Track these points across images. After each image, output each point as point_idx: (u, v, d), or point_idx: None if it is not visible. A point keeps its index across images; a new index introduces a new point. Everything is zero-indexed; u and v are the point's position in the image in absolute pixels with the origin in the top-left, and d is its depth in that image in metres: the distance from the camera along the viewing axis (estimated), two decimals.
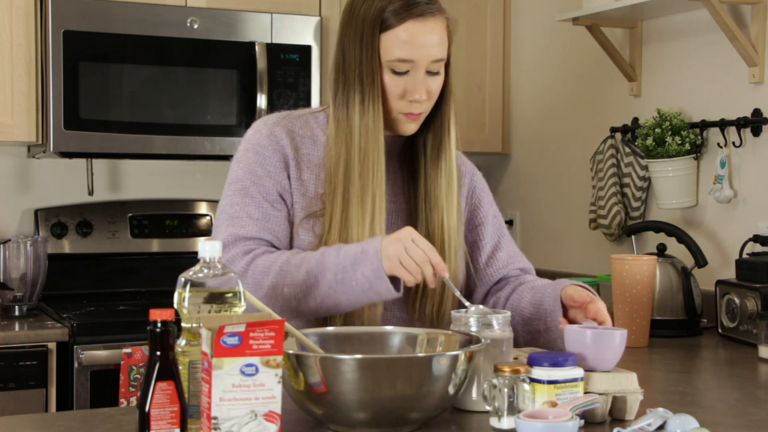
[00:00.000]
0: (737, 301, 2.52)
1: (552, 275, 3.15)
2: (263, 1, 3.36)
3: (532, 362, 1.53)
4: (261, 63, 3.24)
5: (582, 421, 1.51)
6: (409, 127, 1.86)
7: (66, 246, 3.40)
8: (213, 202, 3.60)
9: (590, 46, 3.31)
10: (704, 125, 2.92)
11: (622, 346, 1.62)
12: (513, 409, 1.50)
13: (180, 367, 1.38)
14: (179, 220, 3.57)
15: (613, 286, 2.58)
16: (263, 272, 1.74)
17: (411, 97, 1.80)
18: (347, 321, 1.78)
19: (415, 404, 1.44)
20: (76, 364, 2.81)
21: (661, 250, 2.77)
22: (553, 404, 1.50)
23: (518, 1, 3.79)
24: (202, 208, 3.62)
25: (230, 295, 1.43)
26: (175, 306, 1.42)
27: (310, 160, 1.87)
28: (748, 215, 2.81)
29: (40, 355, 2.80)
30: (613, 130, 3.26)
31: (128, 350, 2.77)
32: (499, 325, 1.63)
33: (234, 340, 1.30)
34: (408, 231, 1.68)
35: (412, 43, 1.78)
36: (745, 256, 2.68)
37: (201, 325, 1.35)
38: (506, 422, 1.50)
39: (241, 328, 1.30)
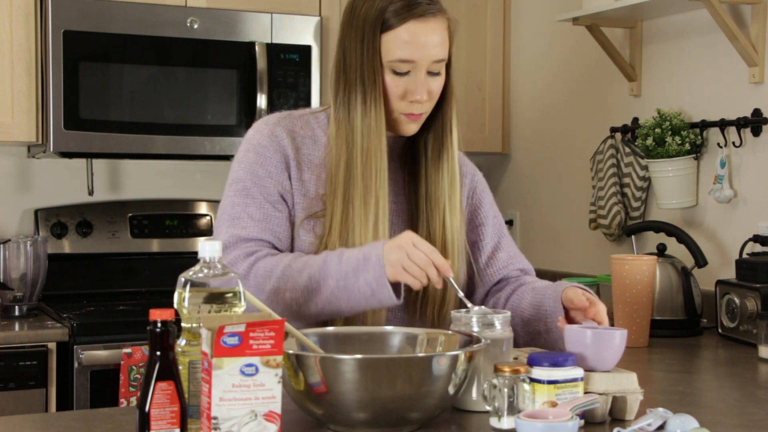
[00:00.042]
0: (737, 301, 2.52)
1: (552, 275, 3.15)
2: (263, 1, 3.36)
3: (532, 362, 1.53)
4: (261, 63, 3.24)
5: (582, 421, 1.51)
6: (410, 128, 1.85)
7: (66, 246, 3.40)
8: (213, 202, 3.60)
9: (590, 46, 3.31)
10: (704, 125, 2.92)
11: (622, 346, 1.62)
12: (513, 409, 1.50)
13: (180, 367, 1.38)
14: (179, 220, 3.57)
15: (613, 286, 2.58)
16: (265, 276, 1.74)
17: (412, 98, 1.80)
18: (350, 322, 1.78)
19: (415, 404, 1.44)
20: (76, 364, 2.81)
21: (661, 250, 2.77)
22: (553, 404, 1.50)
23: (518, 1, 3.79)
24: (202, 208, 3.62)
25: (230, 295, 1.43)
26: (175, 306, 1.42)
27: (310, 160, 1.87)
28: (748, 215, 2.81)
29: (40, 355, 2.80)
30: (613, 130, 3.26)
31: (128, 350, 2.77)
32: (500, 325, 1.63)
33: (234, 340, 1.30)
34: (408, 236, 1.68)
35: (413, 44, 1.77)
36: (745, 256, 2.68)
37: (201, 325, 1.35)
38: (506, 422, 1.50)
39: (241, 328, 1.30)
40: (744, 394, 1.97)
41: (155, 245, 3.53)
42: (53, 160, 3.42)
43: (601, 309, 1.75)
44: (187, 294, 1.41)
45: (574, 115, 3.53)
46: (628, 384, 1.59)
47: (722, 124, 2.85)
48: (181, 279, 1.43)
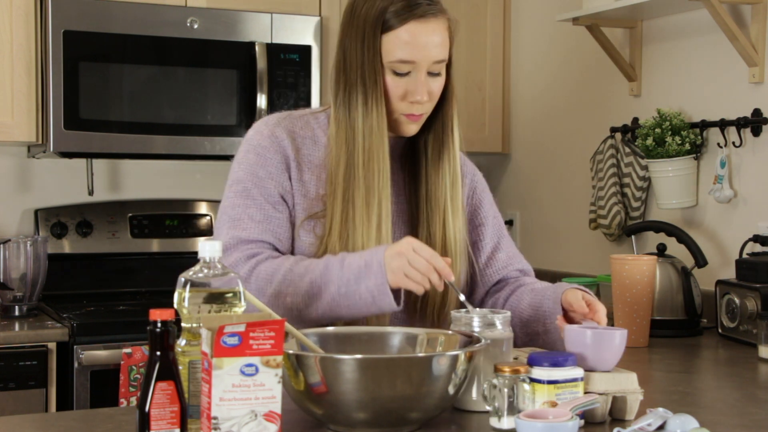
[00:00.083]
0: (737, 301, 2.52)
1: (552, 275, 3.16)
2: (263, 1, 3.36)
3: (532, 362, 1.53)
4: (261, 63, 3.24)
5: (582, 421, 1.51)
6: (411, 128, 1.85)
7: (66, 246, 3.40)
8: (213, 202, 3.60)
9: (590, 46, 3.31)
10: (704, 125, 2.92)
11: (622, 346, 1.62)
12: (513, 409, 1.50)
13: (180, 367, 1.38)
14: (179, 220, 3.57)
15: (613, 286, 2.58)
16: (266, 279, 1.74)
17: (412, 98, 1.80)
18: (352, 322, 1.77)
19: (415, 404, 1.44)
20: (76, 364, 2.81)
21: (661, 250, 2.77)
22: (553, 404, 1.50)
23: (518, 1, 3.79)
24: (202, 208, 3.62)
25: (230, 295, 1.43)
26: (175, 306, 1.42)
27: (311, 160, 1.87)
28: (748, 215, 2.81)
29: (40, 355, 2.80)
30: (613, 130, 3.26)
31: (128, 350, 2.77)
32: (500, 325, 1.63)
33: (234, 340, 1.30)
34: (408, 242, 1.68)
35: (414, 44, 1.77)
36: (745, 256, 2.68)
37: (201, 325, 1.35)
38: (506, 422, 1.50)
39: (241, 328, 1.30)
40: (744, 394, 1.97)
41: (155, 245, 3.53)
42: (53, 160, 3.42)
43: (601, 312, 1.75)
44: (187, 294, 1.41)
45: (574, 115, 3.53)
46: (628, 384, 1.59)
47: (722, 124, 2.85)
48: (181, 279, 1.43)
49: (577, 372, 1.54)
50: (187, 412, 1.36)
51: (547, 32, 3.63)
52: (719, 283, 2.63)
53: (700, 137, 2.94)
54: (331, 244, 1.79)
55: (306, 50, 3.34)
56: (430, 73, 1.81)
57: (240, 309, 1.44)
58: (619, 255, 2.62)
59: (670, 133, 2.92)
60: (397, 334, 1.67)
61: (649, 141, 2.94)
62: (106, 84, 3.11)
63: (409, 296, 1.81)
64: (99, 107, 3.10)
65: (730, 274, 2.70)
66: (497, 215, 2.05)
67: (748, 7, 2.79)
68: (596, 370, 1.60)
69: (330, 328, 1.69)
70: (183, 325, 1.43)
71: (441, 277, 1.67)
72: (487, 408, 1.53)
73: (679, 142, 2.90)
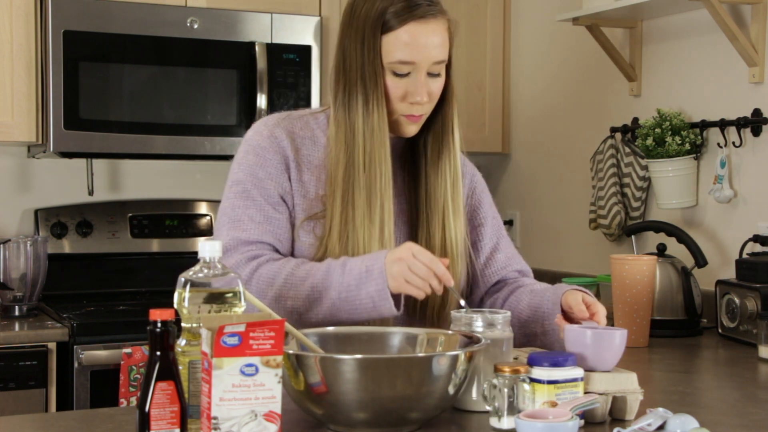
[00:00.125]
0: (737, 301, 2.52)
1: (552, 275, 3.15)
2: (263, 1, 3.36)
3: (532, 362, 1.53)
4: (261, 63, 3.24)
5: (582, 421, 1.51)
6: (410, 129, 1.85)
7: (66, 246, 3.40)
8: (213, 202, 3.60)
9: (590, 46, 3.31)
10: (704, 125, 2.92)
11: (622, 346, 1.62)
12: (513, 409, 1.50)
13: (180, 367, 1.38)
14: (179, 220, 3.57)
15: (613, 286, 2.58)
16: (267, 282, 1.74)
17: (412, 99, 1.80)
18: (354, 322, 1.78)
19: (415, 404, 1.44)
20: (76, 364, 2.81)
21: (661, 250, 2.77)
22: (553, 404, 1.50)
23: (518, 1, 3.79)
24: (202, 208, 3.62)
25: (230, 295, 1.43)
26: (175, 306, 1.42)
27: (310, 161, 1.86)
28: (748, 215, 2.81)
29: (40, 355, 2.80)
30: (613, 130, 3.26)
31: (128, 350, 2.77)
32: (500, 325, 1.63)
33: (234, 340, 1.30)
34: (408, 247, 1.69)
35: (413, 45, 1.77)
36: (745, 256, 2.68)
37: (201, 325, 1.35)
38: (506, 422, 1.50)
39: (241, 328, 1.30)
40: (744, 394, 1.97)
41: (155, 245, 3.53)
42: (53, 160, 3.42)
43: (601, 312, 1.75)
44: (187, 294, 1.41)
45: (574, 115, 3.53)
46: (628, 384, 1.59)
47: (722, 124, 2.85)
48: (181, 279, 1.43)
49: (577, 372, 1.54)
50: (187, 412, 1.36)
51: (547, 32, 3.63)
52: (719, 283, 2.63)
53: (700, 137, 2.94)
54: (331, 245, 1.79)
55: (306, 50, 3.34)
56: (430, 74, 1.80)
57: (240, 309, 1.44)
58: (619, 255, 2.62)
59: (670, 133, 2.92)
60: (397, 334, 1.67)
61: (649, 141, 2.94)
62: (106, 84, 3.11)
63: (409, 298, 1.81)
64: (99, 107, 3.10)
65: (730, 274, 2.70)
66: (496, 216, 2.05)
67: (748, 7, 2.79)
68: (596, 370, 1.60)
69: (330, 328, 1.69)
70: (183, 325, 1.43)
71: (440, 283, 1.68)
72: (487, 408, 1.53)
73: (679, 142, 2.90)
